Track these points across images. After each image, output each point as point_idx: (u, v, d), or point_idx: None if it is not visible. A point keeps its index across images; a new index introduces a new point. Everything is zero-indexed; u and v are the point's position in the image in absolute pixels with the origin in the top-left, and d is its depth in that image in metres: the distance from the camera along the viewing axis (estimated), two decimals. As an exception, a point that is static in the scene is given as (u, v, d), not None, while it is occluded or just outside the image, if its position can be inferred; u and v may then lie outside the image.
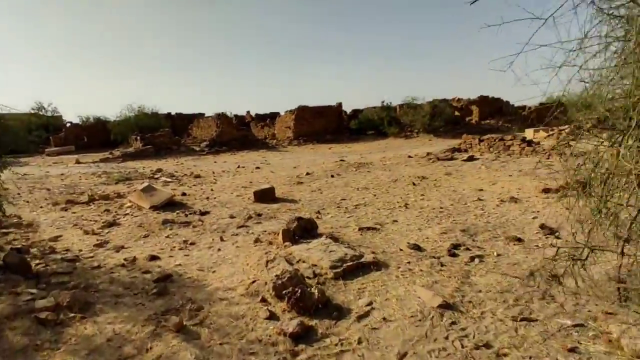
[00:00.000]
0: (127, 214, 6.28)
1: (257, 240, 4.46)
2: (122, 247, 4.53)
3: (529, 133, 17.65)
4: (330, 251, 3.63)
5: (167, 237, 4.90)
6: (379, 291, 3.06)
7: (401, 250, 4.02)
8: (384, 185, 7.91)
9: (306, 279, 3.17)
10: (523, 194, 6.35)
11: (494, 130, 22.26)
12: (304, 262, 3.55)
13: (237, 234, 4.89)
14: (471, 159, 10.50)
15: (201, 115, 27.73)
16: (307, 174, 10.12)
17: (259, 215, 5.85)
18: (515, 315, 2.61)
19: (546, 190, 6.38)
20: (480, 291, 3.01)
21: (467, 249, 3.96)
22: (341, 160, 13.01)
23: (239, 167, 12.75)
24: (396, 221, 5.23)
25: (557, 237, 4.22)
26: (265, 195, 6.90)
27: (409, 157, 12.52)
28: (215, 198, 7.42)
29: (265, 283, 3.11)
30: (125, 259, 4.01)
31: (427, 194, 6.81)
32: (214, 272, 3.65)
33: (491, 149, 11.09)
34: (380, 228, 4.90)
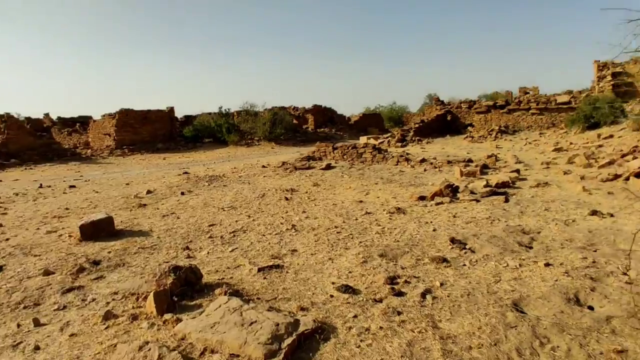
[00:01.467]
0: None
1: (108, 316, 2.74)
2: None
3: (363, 139, 19.16)
4: (251, 323, 2.35)
5: None
6: (354, 384, 2.00)
7: (332, 296, 3.03)
8: (252, 203, 6.77)
9: (234, 391, 1.85)
10: (403, 203, 6.20)
11: (330, 137, 23.53)
12: (214, 352, 2.18)
13: (65, 307, 2.98)
14: (329, 167, 10.32)
15: (-30, 117, 20.54)
16: (149, 192, 8.07)
17: (97, 263, 3.94)
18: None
19: (422, 198, 6.43)
20: (470, 347, 2.29)
21: (406, 281, 3.25)
22: (185, 173, 11.15)
23: (42, 187, 9.45)
24: (295, 251, 4.22)
25: (472, 251, 3.99)
26: (100, 229, 4.87)
27: (263, 167, 11.63)
28: (8, 240, 4.90)
29: None
30: None
31: (309, 211, 6.02)
32: (34, 411, 1.89)
33: (345, 157, 11.18)
34: (282, 264, 3.80)
